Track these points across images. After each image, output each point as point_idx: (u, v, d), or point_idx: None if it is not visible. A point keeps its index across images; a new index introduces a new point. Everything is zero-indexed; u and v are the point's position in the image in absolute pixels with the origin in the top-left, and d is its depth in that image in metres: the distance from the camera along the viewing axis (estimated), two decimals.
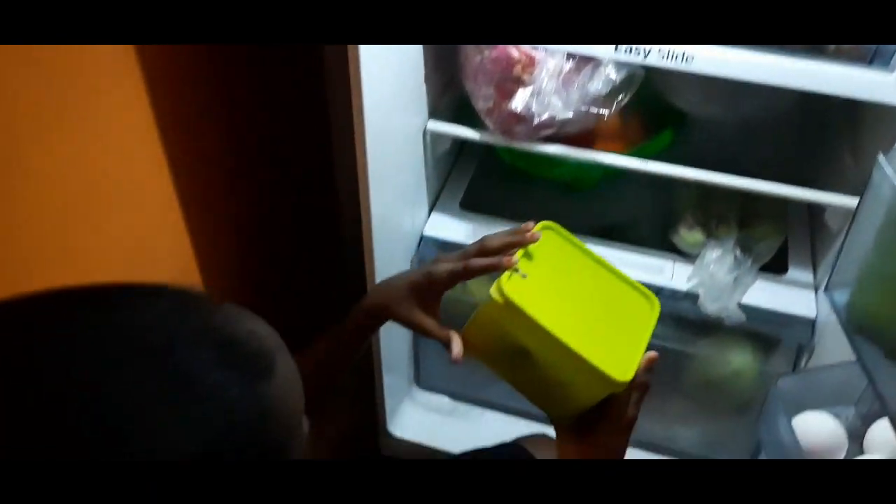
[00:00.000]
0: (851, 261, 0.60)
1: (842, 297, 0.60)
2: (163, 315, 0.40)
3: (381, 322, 0.75)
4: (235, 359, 0.41)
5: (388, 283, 0.75)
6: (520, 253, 0.67)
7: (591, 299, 0.71)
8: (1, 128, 0.61)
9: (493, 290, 0.64)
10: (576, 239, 0.74)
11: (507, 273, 0.65)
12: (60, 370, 0.37)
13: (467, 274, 0.69)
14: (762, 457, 0.93)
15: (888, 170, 0.53)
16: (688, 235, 1.02)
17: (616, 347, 0.67)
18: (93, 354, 0.37)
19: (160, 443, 0.37)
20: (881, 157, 0.55)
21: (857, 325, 0.57)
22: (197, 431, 0.38)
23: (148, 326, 0.39)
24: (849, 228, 0.61)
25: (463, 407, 1.23)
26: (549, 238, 0.71)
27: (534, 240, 0.68)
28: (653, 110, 1.02)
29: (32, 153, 0.65)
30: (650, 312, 0.72)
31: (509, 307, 0.63)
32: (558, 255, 0.72)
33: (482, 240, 0.70)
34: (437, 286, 0.71)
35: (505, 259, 0.65)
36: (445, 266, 0.70)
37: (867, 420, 0.73)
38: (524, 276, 0.66)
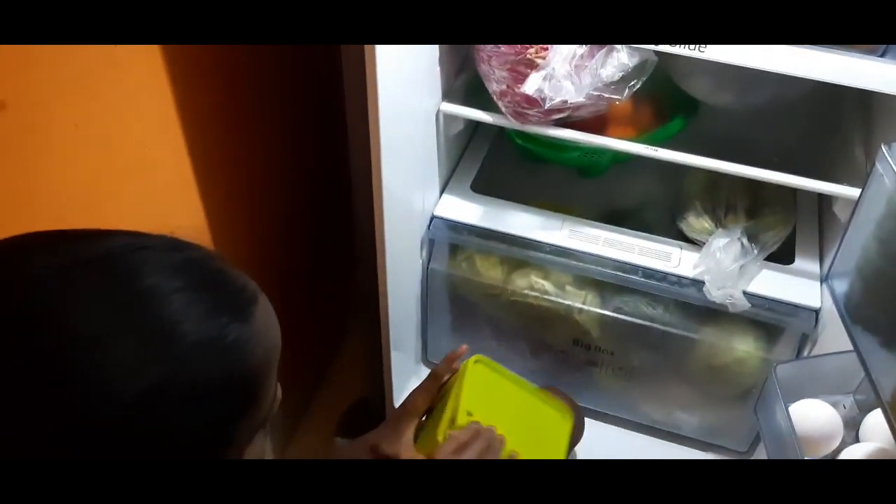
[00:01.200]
0: (852, 250, 0.60)
1: (841, 286, 0.60)
2: (138, 247, 0.42)
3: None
4: (214, 293, 0.42)
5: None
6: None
7: (517, 418, 0.90)
8: (32, 102, 0.63)
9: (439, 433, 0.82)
10: (503, 368, 0.92)
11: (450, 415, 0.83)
12: (25, 294, 0.38)
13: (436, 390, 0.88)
14: (762, 444, 0.95)
15: (891, 160, 0.54)
16: (696, 223, 1.03)
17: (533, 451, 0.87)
18: (57, 279, 0.39)
19: (114, 366, 0.38)
20: (884, 148, 0.55)
21: (854, 314, 0.58)
22: (158, 356, 0.39)
23: (117, 255, 0.41)
24: (850, 218, 0.62)
25: None
26: (479, 371, 0.88)
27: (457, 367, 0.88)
28: (665, 96, 1.02)
29: (60, 126, 0.66)
30: (564, 425, 0.94)
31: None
32: (489, 384, 0.89)
33: (432, 372, 0.88)
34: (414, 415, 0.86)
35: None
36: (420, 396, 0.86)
37: (865, 408, 0.74)
38: (469, 415, 0.83)
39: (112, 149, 0.73)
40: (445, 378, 0.89)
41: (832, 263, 0.63)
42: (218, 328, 0.41)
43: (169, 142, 0.83)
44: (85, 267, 0.40)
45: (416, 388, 0.88)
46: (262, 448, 0.47)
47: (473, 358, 0.89)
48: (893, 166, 0.53)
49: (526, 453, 0.85)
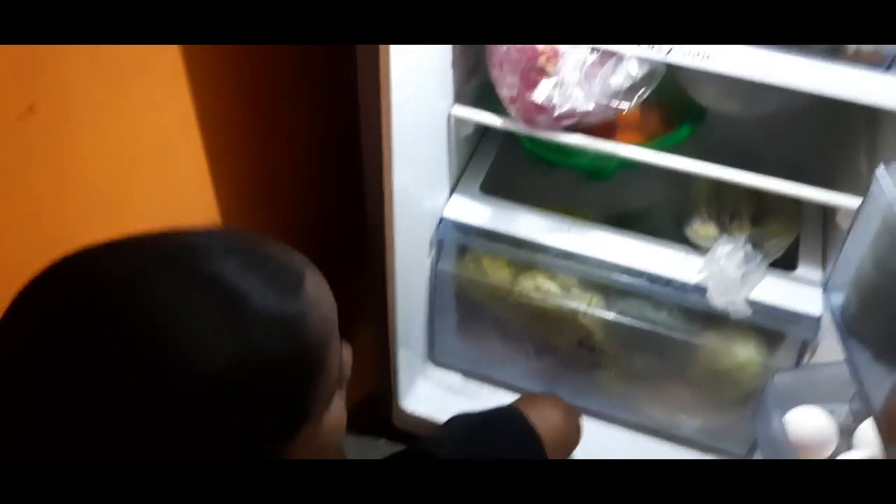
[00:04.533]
0: (849, 265, 0.62)
1: (837, 298, 0.62)
2: (201, 235, 0.46)
3: None
4: (266, 271, 0.46)
5: None
6: None
7: None
8: (59, 104, 0.65)
9: None
10: None
11: None
12: (113, 288, 0.42)
13: None
14: (759, 448, 0.96)
15: (884, 182, 0.55)
16: (701, 229, 1.04)
17: None
18: (129, 266, 0.43)
19: (195, 345, 0.41)
20: (880, 169, 0.57)
21: (849, 326, 0.60)
22: (230, 334, 0.42)
23: (183, 247, 0.45)
24: (848, 232, 0.63)
25: (474, 385, 1.26)
26: None
27: None
28: (673, 103, 1.03)
29: (86, 127, 0.69)
30: None
31: None
32: None
33: None
34: None
35: None
36: None
37: (859, 417, 0.75)
38: None
39: (134, 148, 0.76)
40: None
41: (829, 276, 0.64)
42: (276, 305, 0.45)
43: (189, 141, 0.85)
44: (158, 261, 0.44)
45: None
46: (340, 409, 0.50)
47: None
48: (889, 186, 0.55)
49: None
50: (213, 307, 0.43)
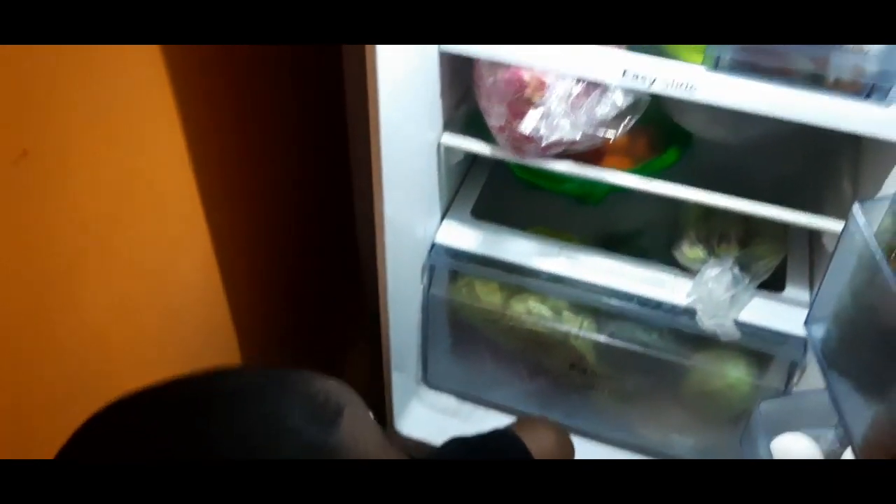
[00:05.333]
0: (829, 298, 0.63)
1: (818, 330, 0.63)
2: (254, 378, 0.53)
3: None
4: (309, 409, 0.50)
5: None
6: None
7: None
8: (51, 147, 0.66)
9: None
10: None
11: None
12: (191, 415, 0.48)
13: None
14: None
15: (860, 220, 0.56)
16: (689, 251, 1.05)
17: None
18: (197, 406, 0.49)
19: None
20: (856, 207, 0.58)
21: (830, 359, 0.61)
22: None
23: (239, 389, 0.51)
24: (827, 267, 0.65)
25: (468, 407, 1.27)
26: None
27: None
28: (660, 128, 1.05)
29: (77, 169, 0.70)
30: None
31: None
32: None
33: None
34: None
35: None
36: None
37: (844, 443, 0.76)
38: None
39: (127, 188, 0.77)
40: None
41: (810, 309, 0.65)
42: (316, 438, 0.49)
43: (181, 182, 0.87)
44: (226, 398, 0.50)
45: None
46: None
47: None
48: (863, 224, 0.56)
49: None
50: (264, 442, 0.48)
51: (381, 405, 1.22)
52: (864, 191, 0.92)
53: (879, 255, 0.53)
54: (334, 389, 0.54)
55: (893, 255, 0.54)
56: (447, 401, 1.28)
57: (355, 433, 0.52)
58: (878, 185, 0.87)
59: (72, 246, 0.71)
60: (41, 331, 0.71)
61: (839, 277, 0.61)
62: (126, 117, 0.75)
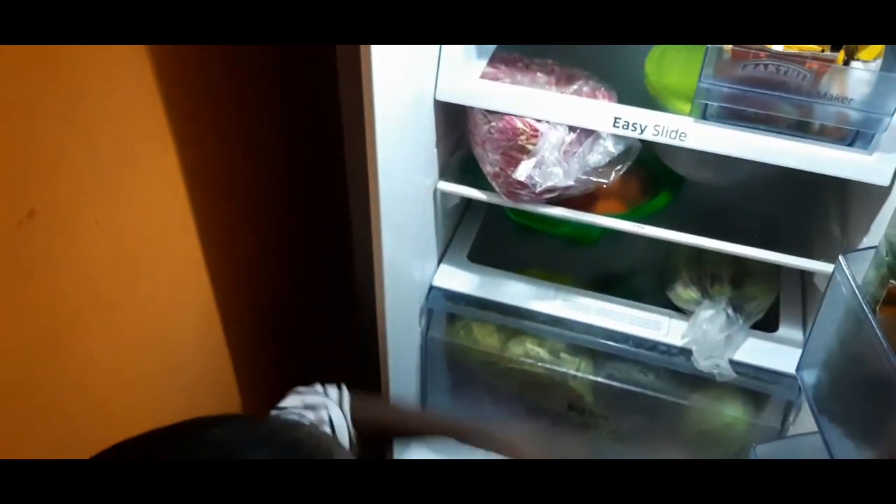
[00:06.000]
0: (818, 345, 0.64)
1: (810, 377, 0.64)
2: (235, 430, 0.53)
3: None
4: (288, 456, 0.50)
5: None
6: None
7: None
8: (57, 205, 0.68)
9: None
10: None
11: None
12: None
13: None
14: None
15: (847, 272, 0.58)
16: (683, 292, 1.07)
17: None
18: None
19: None
20: (841, 258, 0.60)
21: (821, 405, 0.62)
22: None
23: (222, 440, 0.51)
24: (816, 315, 0.66)
25: (467, 448, 1.27)
26: None
27: None
28: (652, 171, 1.07)
29: (82, 224, 0.72)
30: None
31: None
32: None
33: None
34: None
35: None
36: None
37: None
38: None
39: (131, 244, 0.79)
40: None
41: (801, 355, 0.67)
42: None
43: (184, 235, 0.88)
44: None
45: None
46: None
47: None
48: (849, 276, 0.58)
49: None
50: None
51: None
52: (853, 230, 0.94)
53: (866, 307, 0.54)
54: (325, 441, 0.55)
55: (879, 305, 0.55)
56: (446, 441, 1.28)
57: None
58: (867, 225, 0.89)
59: (77, 302, 0.73)
60: (46, 376, 0.73)
61: (828, 326, 0.63)
62: (130, 174, 0.77)
